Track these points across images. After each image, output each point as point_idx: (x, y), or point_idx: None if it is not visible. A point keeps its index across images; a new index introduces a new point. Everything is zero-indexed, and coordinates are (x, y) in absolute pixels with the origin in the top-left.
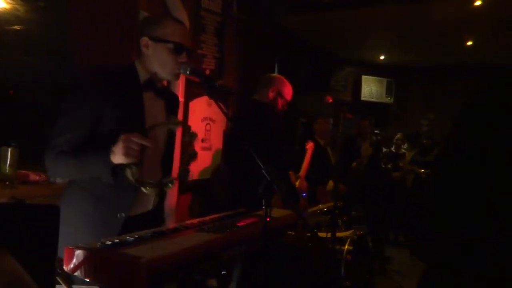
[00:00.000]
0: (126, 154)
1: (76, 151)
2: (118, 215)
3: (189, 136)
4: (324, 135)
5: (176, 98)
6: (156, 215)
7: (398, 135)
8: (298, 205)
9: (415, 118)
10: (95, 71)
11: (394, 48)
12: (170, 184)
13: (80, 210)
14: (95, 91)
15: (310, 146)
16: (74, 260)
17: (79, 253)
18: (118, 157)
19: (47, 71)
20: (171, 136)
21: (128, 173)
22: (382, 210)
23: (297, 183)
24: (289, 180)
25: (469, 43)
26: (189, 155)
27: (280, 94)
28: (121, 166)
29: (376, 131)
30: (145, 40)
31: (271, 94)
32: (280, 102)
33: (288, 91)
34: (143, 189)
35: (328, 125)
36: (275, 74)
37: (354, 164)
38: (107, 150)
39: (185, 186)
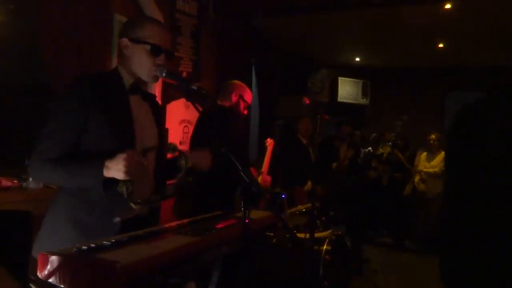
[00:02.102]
0: (128, 172)
1: (64, 158)
2: (114, 220)
3: (169, 150)
4: (308, 134)
5: (156, 100)
6: (152, 218)
7: (373, 135)
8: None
9: (389, 118)
10: (80, 78)
11: (369, 50)
12: (159, 202)
13: (73, 218)
14: (81, 97)
15: (270, 143)
16: (49, 267)
17: (53, 259)
18: (114, 173)
19: (17, 74)
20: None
21: (123, 188)
22: (360, 210)
23: (259, 178)
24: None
25: (440, 45)
26: (167, 150)
27: (242, 97)
28: (113, 180)
29: (356, 132)
30: (124, 41)
31: (234, 98)
32: (242, 104)
33: (248, 95)
34: (132, 204)
35: (312, 125)
36: (236, 81)
37: (334, 164)
38: (99, 164)
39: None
